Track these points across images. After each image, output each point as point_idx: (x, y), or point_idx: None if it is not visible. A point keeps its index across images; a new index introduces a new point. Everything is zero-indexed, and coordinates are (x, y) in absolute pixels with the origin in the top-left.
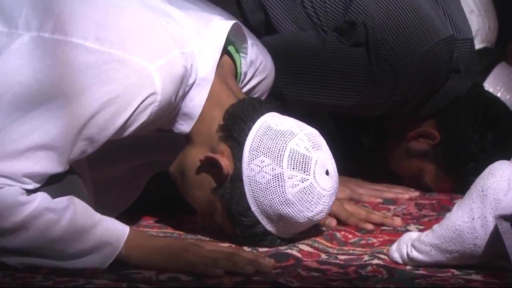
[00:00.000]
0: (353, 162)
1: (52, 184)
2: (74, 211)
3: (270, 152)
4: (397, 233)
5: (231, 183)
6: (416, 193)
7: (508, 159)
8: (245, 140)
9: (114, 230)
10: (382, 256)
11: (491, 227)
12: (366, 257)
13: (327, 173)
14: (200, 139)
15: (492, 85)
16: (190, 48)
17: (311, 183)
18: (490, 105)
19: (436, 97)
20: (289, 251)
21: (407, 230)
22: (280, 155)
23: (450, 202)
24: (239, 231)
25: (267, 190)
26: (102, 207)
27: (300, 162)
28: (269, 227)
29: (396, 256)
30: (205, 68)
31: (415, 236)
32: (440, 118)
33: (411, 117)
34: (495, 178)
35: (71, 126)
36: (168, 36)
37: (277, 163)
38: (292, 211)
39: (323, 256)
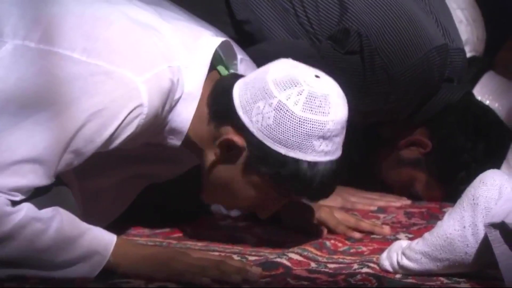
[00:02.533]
0: (345, 171)
1: (39, 194)
2: (60, 221)
3: (257, 95)
4: (387, 241)
5: (251, 151)
6: (408, 202)
7: (498, 168)
8: (234, 107)
9: (102, 239)
10: (371, 264)
11: (481, 235)
12: (355, 266)
13: (317, 77)
14: (204, 142)
15: (480, 93)
16: (177, 63)
17: (308, 90)
18: (481, 114)
19: (429, 105)
20: (278, 259)
21: (397, 239)
22: (266, 89)
23: (439, 210)
24: (292, 186)
25: (279, 125)
26: (90, 217)
27: (286, 81)
28: (310, 157)
29: (386, 264)
30: (192, 83)
31: (405, 245)
32: (432, 126)
33: (404, 124)
34: (486, 187)
35: (58, 139)
36: (156, 50)
37: (269, 97)
38: (312, 124)
39: (313, 264)
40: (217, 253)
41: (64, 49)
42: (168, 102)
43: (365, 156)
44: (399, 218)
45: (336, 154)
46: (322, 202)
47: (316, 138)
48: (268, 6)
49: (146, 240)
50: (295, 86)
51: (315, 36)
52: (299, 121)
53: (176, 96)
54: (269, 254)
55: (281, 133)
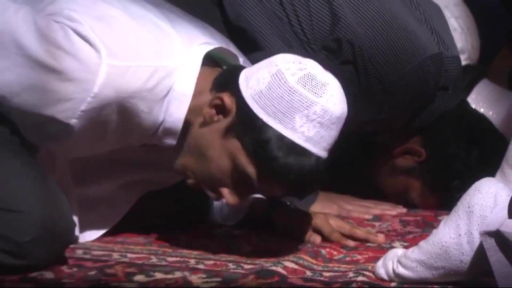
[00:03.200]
0: (341, 179)
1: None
2: None
3: (261, 65)
4: (382, 249)
5: (238, 115)
6: (403, 210)
7: (493, 176)
8: (237, 77)
9: None
10: (367, 273)
11: (477, 243)
12: (351, 274)
13: (325, 69)
14: (198, 115)
15: (474, 101)
16: (165, 63)
17: (309, 72)
18: (475, 122)
19: (425, 114)
20: (273, 268)
21: (392, 247)
22: (271, 60)
23: (434, 218)
24: (259, 157)
25: (270, 91)
26: (87, 224)
27: (293, 59)
28: (287, 133)
29: (382, 272)
30: (184, 83)
31: (400, 253)
32: (426, 135)
33: (399, 132)
34: (481, 195)
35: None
36: (143, 46)
37: (271, 65)
38: (300, 98)
39: (308, 273)
40: (212, 262)
41: (51, 13)
42: (143, 103)
43: (361, 164)
44: (394, 226)
45: (316, 148)
46: (318, 209)
47: (300, 113)
48: (263, 15)
49: (142, 249)
50: (300, 63)
51: (309, 45)
52: (289, 90)
53: (160, 95)
54: (265, 262)
55: (269, 99)
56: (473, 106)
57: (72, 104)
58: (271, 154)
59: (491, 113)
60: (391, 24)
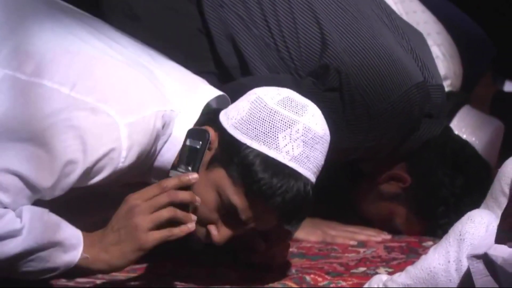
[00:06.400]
0: (325, 204)
1: None
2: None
3: (241, 99)
4: (367, 276)
5: (221, 145)
6: (388, 236)
7: (477, 202)
8: (218, 112)
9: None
10: None
11: (465, 271)
12: None
13: (300, 95)
14: None
15: (456, 127)
16: (170, 107)
17: (288, 95)
18: (459, 149)
19: (410, 141)
20: None
21: (376, 273)
22: (250, 92)
23: (419, 245)
24: (251, 180)
25: (251, 116)
26: None
27: (270, 87)
28: (272, 153)
29: None
30: (180, 128)
31: (385, 278)
32: (411, 161)
33: (384, 159)
34: (473, 224)
35: (37, 168)
36: (147, 93)
37: (250, 95)
38: (281, 118)
39: None
40: None
41: (53, 82)
42: (154, 146)
43: (346, 191)
44: (379, 252)
45: (303, 168)
46: (303, 235)
47: (282, 133)
48: (250, 41)
49: (126, 276)
50: (277, 90)
51: (296, 72)
52: (270, 112)
53: (162, 140)
54: None
55: (250, 123)
56: (456, 132)
57: (103, 174)
58: (256, 176)
59: (473, 139)
60: (378, 53)
